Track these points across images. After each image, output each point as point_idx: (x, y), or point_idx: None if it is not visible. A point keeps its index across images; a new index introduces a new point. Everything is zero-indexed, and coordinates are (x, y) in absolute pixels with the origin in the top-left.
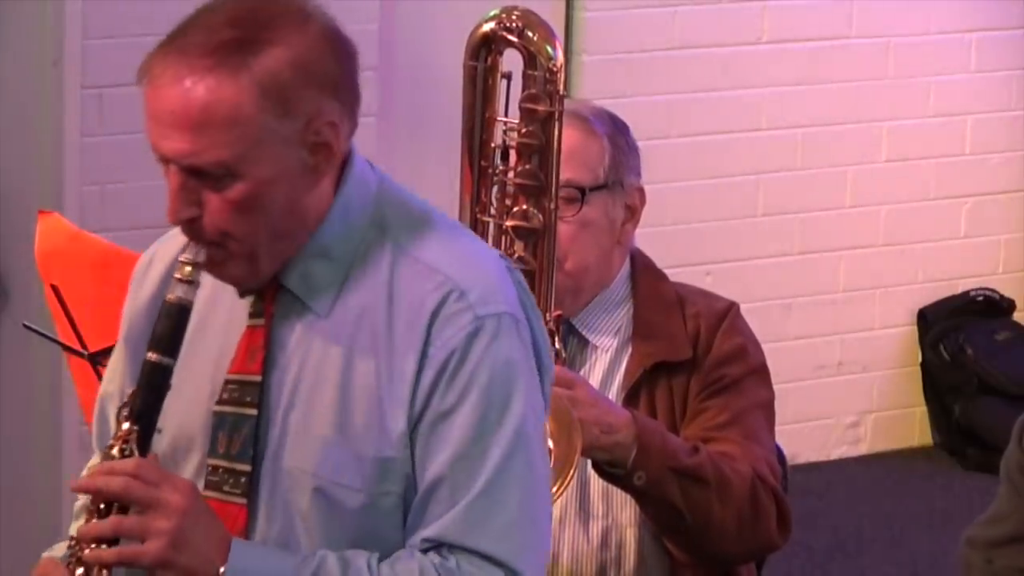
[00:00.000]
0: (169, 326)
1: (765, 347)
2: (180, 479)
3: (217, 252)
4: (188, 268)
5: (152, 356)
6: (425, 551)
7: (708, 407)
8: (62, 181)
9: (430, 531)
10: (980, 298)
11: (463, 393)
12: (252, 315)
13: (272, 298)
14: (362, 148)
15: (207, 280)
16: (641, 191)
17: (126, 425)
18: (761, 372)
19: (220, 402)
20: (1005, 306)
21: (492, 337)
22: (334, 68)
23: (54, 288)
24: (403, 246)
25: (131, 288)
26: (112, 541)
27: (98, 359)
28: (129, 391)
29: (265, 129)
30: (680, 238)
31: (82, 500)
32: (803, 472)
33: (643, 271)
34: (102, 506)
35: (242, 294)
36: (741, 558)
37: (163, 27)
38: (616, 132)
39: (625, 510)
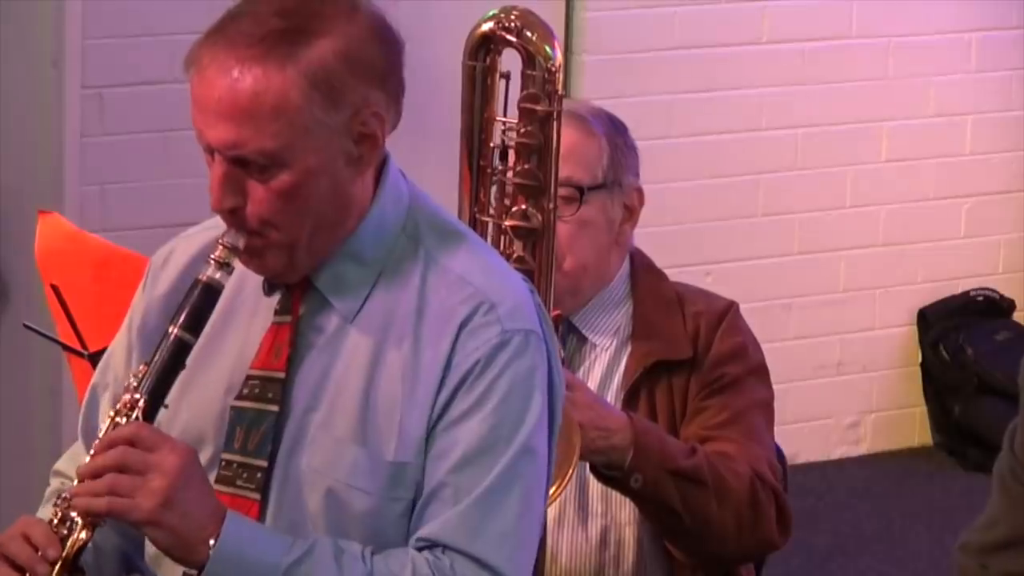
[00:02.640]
0: (196, 305)
1: (765, 347)
2: (181, 444)
3: (257, 241)
4: (225, 251)
5: (174, 331)
6: (420, 549)
7: (708, 406)
8: (62, 181)
9: (427, 530)
10: (980, 298)
11: (479, 401)
12: (279, 312)
13: (300, 297)
14: None
15: (232, 275)
16: (639, 191)
17: (136, 396)
18: (760, 371)
19: (240, 397)
20: (1005, 306)
21: (516, 352)
22: (381, 59)
23: (54, 288)
24: (435, 256)
25: (147, 280)
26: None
27: (98, 359)
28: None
29: (312, 119)
30: (680, 238)
31: (53, 485)
32: (803, 472)
33: (642, 271)
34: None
35: (269, 291)
36: (741, 558)
37: (163, 27)
38: (614, 132)
39: (624, 509)
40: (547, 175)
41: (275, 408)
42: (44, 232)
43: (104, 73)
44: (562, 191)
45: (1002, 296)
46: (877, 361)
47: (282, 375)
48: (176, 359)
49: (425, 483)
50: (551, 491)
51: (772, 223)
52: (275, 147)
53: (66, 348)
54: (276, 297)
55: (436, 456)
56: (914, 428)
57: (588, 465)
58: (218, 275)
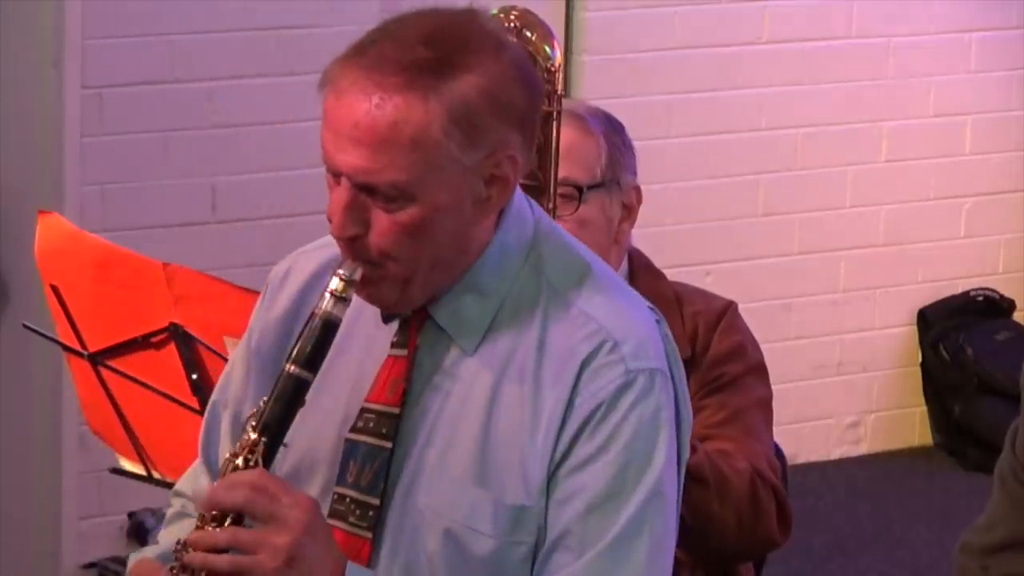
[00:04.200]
0: (314, 341)
1: (765, 347)
2: (301, 494)
3: (374, 272)
4: (343, 284)
5: (292, 368)
6: None
7: (707, 405)
8: (62, 181)
9: None
10: (980, 298)
11: (604, 446)
12: (395, 345)
13: (417, 329)
14: None
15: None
16: (637, 190)
17: (254, 436)
18: (759, 370)
19: (354, 430)
20: (1005, 306)
21: (641, 393)
22: (522, 102)
23: (54, 288)
24: (558, 290)
25: (265, 297)
26: (223, 552)
27: (98, 359)
28: (249, 402)
29: (448, 156)
30: (680, 238)
31: (175, 507)
32: (803, 472)
33: (641, 270)
34: (214, 513)
35: (386, 320)
36: (742, 556)
37: (163, 27)
38: (612, 131)
39: None
40: (547, 175)
41: (388, 445)
42: (44, 232)
43: (104, 73)
44: (561, 190)
45: (1002, 296)
46: (877, 361)
47: (397, 411)
48: (294, 397)
49: (548, 529)
50: None
51: (772, 223)
52: (408, 179)
53: (66, 348)
54: (393, 326)
55: (560, 501)
56: (914, 428)
57: None
58: (335, 309)
